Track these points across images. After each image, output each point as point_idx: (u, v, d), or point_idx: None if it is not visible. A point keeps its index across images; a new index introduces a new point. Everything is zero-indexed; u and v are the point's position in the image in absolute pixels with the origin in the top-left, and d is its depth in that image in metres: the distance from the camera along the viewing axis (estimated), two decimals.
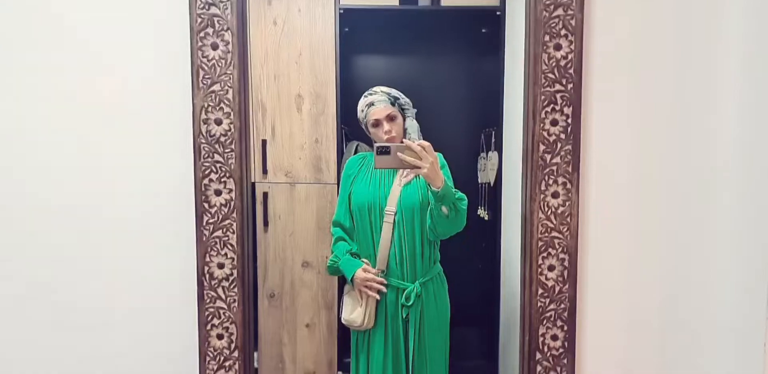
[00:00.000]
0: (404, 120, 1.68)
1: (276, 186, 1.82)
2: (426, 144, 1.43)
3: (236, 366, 0.94)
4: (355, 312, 1.64)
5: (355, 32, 1.78)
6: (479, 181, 1.89)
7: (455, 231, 1.64)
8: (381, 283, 1.61)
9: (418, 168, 1.44)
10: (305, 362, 1.83)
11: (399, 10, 1.83)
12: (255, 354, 1.57)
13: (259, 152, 1.79)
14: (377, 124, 1.64)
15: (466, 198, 1.58)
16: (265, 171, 1.81)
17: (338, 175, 1.82)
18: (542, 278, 0.99)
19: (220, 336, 0.94)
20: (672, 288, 1.02)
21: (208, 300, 0.94)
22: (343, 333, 1.80)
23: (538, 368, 0.99)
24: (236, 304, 0.95)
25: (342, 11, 1.75)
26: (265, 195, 1.81)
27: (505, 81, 1.73)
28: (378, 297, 1.62)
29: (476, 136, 1.87)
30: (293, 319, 1.83)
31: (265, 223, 1.81)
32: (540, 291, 0.99)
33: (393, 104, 1.65)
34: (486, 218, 1.85)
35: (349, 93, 1.76)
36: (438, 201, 1.52)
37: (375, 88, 1.68)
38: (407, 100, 1.68)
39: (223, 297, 0.94)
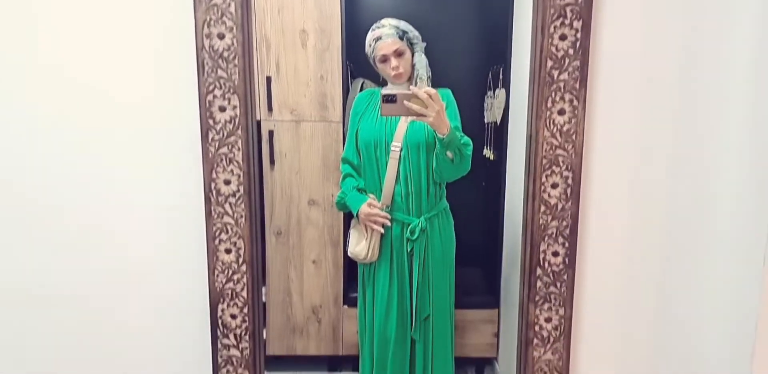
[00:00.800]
0: (413, 55, 1.65)
1: (281, 124, 1.81)
2: (433, 91, 1.40)
3: (244, 280, 0.97)
4: (359, 246, 1.67)
5: None
6: (485, 120, 1.88)
7: (460, 176, 1.65)
8: (385, 218, 1.63)
9: (423, 116, 1.42)
10: (312, 297, 1.88)
11: None
12: (263, 289, 1.61)
13: (264, 89, 1.78)
14: (385, 59, 1.62)
15: (471, 143, 1.59)
16: (270, 108, 1.80)
17: (344, 112, 1.82)
18: (545, 195, 0.99)
19: (228, 251, 0.96)
20: (676, 205, 1.02)
21: (215, 216, 0.96)
22: (350, 269, 1.84)
23: (539, 283, 1.01)
24: (243, 220, 0.96)
25: None
26: (271, 133, 1.81)
27: (515, 14, 1.69)
28: (382, 231, 1.64)
29: (483, 74, 1.85)
30: (300, 256, 1.87)
31: (272, 161, 1.82)
32: (543, 208, 1.00)
33: (401, 38, 1.62)
34: (491, 158, 1.84)
35: (354, 28, 1.73)
36: (443, 147, 1.53)
37: (383, 21, 1.64)
38: (416, 33, 1.65)
39: (231, 212, 0.96)
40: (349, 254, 1.69)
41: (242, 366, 0.98)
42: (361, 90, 1.80)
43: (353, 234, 1.69)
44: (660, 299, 1.04)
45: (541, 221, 1.00)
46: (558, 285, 1.01)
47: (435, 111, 1.41)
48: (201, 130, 0.93)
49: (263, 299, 1.83)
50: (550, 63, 0.97)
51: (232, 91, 0.92)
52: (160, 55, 0.99)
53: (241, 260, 0.97)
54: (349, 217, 1.77)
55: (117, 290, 1.03)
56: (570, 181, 0.98)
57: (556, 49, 0.96)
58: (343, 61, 1.78)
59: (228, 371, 0.98)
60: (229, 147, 0.93)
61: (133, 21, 0.99)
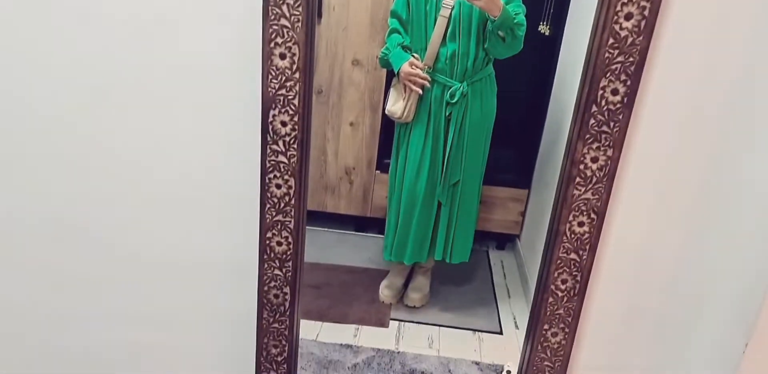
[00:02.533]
0: None
1: None
2: None
3: (296, 88, 0.96)
4: (396, 104, 1.65)
5: None
6: None
7: (510, 54, 1.60)
8: (424, 80, 1.60)
9: None
10: (346, 158, 1.90)
11: None
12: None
13: None
14: None
15: (524, 23, 1.51)
16: None
17: None
18: (616, 27, 0.94)
19: (282, 56, 0.95)
20: (757, 55, 0.95)
21: (272, 17, 0.94)
22: (386, 135, 1.84)
23: (591, 121, 0.98)
24: (300, 24, 0.94)
25: None
26: None
27: None
28: (420, 92, 1.61)
29: None
30: (338, 116, 1.87)
31: (319, 14, 1.76)
32: (611, 41, 0.95)
33: None
34: (547, 33, 1.75)
35: None
36: (495, 28, 1.47)
37: None
38: None
39: (287, 15, 0.93)
40: (386, 112, 1.68)
41: (288, 173, 1.00)
42: None
43: (392, 92, 1.67)
44: (716, 154, 1.01)
45: (606, 55, 0.95)
46: (611, 124, 0.99)
47: None
48: None
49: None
50: None
51: None
52: None
53: (294, 67, 0.95)
54: (390, 77, 1.74)
55: (170, 87, 1.02)
56: (646, 13, 0.92)
57: None
58: None
59: (275, 176, 1.01)
60: None
61: None
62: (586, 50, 0.97)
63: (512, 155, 1.91)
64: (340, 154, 1.89)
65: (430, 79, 1.61)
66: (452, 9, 1.57)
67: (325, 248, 1.84)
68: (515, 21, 1.49)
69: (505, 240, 1.99)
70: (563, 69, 1.76)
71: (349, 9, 1.76)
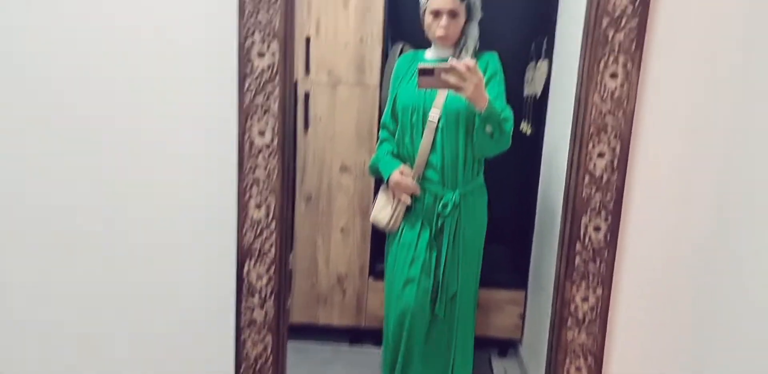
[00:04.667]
0: (467, 23, 1.56)
1: (318, 87, 1.78)
2: (471, 64, 1.31)
3: (273, 238, 0.95)
4: (383, 212, 1.61)
5: None
6: (525, 93, 1.81)
7: (499, 151, 1.57)
8: (414, 189, 1.58)
9: (461, 88, 1.34)
10: (338, 265, 1.87)
11: None
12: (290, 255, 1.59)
13: (302, 51, 1.75)
14: (437, 14, 1.53)
15: (512, 118, 1.50)
16: (307, 70, 1.77)
17: (381, 77, 1.77)
18: (591, 166, 0.94)
19: (258, 206, 0.94)
20: (730, 185, 0.94)
21: (247, 170, 0.94)
22: (378, 240, 1.82)
23: (577, 260, 0.96)
24: (276, 174, 0.93)
25: None
26: (307, 95, 1.78)
27: None
28: (408, 202, 1.59)
29: (526, 44, 1.77)
30: (328, 223, 1.85)
31: (306, 125, 1.80)
32: (587, 179, 0.94)
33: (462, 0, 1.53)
34: (528, 133, 1.77)
35: None
36: (482, 121, 1.46)
37: None
38: (478, 2, 1.55)
39: (264, 166, 0.93)
40: (371, 219, 1.64)
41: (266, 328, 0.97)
42: (400, 54, 1.74)
43: (380, 198, 1.63)
44: (704, 285, 0.98)
45: (584, 193, 0.94)
46: (597, 262, 0.96)
47: (473, 84, 1.33)
48: (239, 77, 0.90)
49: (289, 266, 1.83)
50: (605, 21, 0.90)
51: (271, 35, 0.87)
52: None
53: (271, 216, 0.94)
54: (379, 184, 1.74)
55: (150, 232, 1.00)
56: (618, 151, 0.92)
57: (614, 6, 0.89)
58: (384, 22, 1.73)
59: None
60: (266, 96, 0.90)
61: None
62: (564, 188, 0.96)
63: (505, 255, 1.87)
64: (332, 261, 1.85)
65: (419, 188, 1.59)
66: (438, 120, 1.57)
67: (319, 366, 1.75)
68: (502, 116, 1.48)
69: (507, 346, 1.90)
70: (547, 165, 1.76)
71: (335, 118, 1.80)
